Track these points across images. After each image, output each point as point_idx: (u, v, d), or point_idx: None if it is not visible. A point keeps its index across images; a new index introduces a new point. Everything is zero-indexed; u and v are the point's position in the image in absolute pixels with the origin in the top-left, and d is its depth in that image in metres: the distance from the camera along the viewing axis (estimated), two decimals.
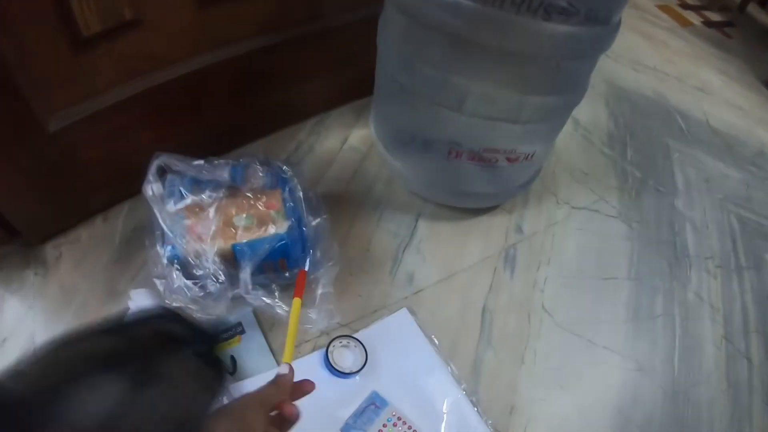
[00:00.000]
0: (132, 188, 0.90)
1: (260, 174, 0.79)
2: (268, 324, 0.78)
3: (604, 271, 0.92)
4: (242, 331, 0.78)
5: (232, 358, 0.76)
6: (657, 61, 1.48)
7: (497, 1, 0.64)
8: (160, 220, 0.73)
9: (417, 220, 0.92)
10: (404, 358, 0.77)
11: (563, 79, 0.77)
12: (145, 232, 0.80)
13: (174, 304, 0.74)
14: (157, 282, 0.74)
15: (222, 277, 0.71)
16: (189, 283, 0.73)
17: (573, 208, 0.99)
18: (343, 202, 0.91)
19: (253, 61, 0.89)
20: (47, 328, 0.79)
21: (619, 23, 0.74)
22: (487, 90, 0.75)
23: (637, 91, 1.32)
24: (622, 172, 1.09)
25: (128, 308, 0.76)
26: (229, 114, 0.94)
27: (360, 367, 0.74)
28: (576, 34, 0.67)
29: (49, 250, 0.88)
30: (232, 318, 0.79)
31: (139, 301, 0.75)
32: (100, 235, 0.89)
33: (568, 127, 0.89)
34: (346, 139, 1.04)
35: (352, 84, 1.04)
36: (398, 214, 0.92)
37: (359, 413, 0.72)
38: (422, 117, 0.84)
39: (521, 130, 0.80)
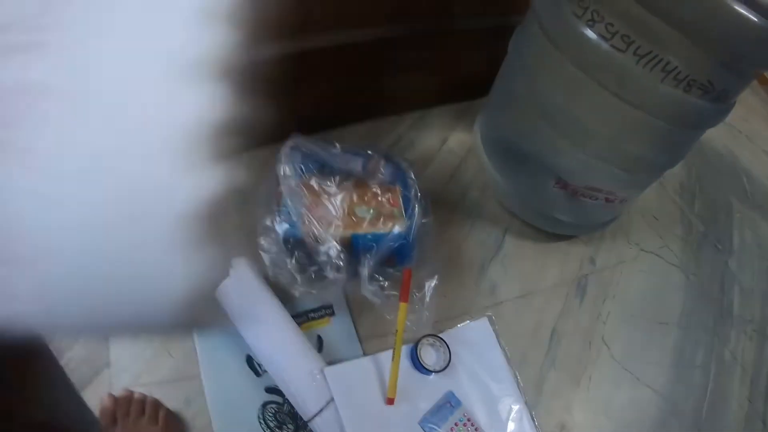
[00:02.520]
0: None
1: (382, 168, 0.82)
2: (357, 309, 0.84)
3: (659, 315, 1.00)
4: (332, 313, 0.84)
5: (319, 338, 0.81)
6: (732, 116, 1.51)
7: (649, 66, 0.68)
8: (284, 198, 0.75)
9: (505, 235, 0.98)
10: (479, 363, 0.84)
11: (675, 142, 0.82)
12: (241, 197, 0.83)
13: (276, 278, 0.78)
14: (264, 255, 0.78)
15: (342, 266, 0.75)
16: (302, 265, 0.76)
17: (641, 250, 1.07)
18: (440, 203, 0.96)
19: (375, 47, 0.91)
20: None
21: (734, 102, 0.78)
22: (615, 137, 0.80)
23: (710, 144, 1.38)
24: (688, 222, 1.16)
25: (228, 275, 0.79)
26: (339, 92, 0.98)
27: (443, 366, 0.81)
28: (704, 108, 0.72)
29: None
30: (328, 297, 0.83)
31: (240, 270, 0.78)
32: None
33: None
34: (445, 140, 1.08)
35: (458, 85, 1.08)
36: (488, 225, 0.98)
37: (436, 410, 0.79)
38: (539, 143, 0.88)
39: (629, 177, 0.85)
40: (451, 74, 1.05)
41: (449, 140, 1.09)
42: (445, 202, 0.99)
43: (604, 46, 0.69)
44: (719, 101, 0.71)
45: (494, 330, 0.87)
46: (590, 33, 0.70)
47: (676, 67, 0.66)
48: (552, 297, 0.94)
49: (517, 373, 0.84)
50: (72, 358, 0.78)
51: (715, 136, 1.39)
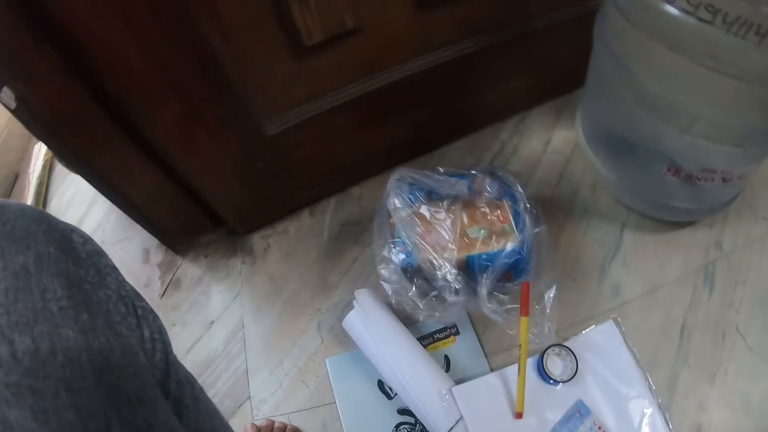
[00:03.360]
0: (339, 184, 0.98)
1: (488, 186, 0.82)
2: (481, 326, 0.85)
3: None
4: (457, 332, 0.85)
5: (446, 358, 0.84)
6: None
7: (742, 31, 0.62)
8: (398, 230, 0.77)
9: (622, 231, 0.95)
10: (607, 369, 0.84)
11: None
12: (354, 228, 0.86)
13: (400, 305, 0.81)
14: (385, 285, 0.81)
15: (460, 288, 0.76)
16: (423, 291, 0.79)
17: None
18: (552, 207, 0.94)
19: (461, 63, 0.91)
20: (257, 315, 0.88)
21: None
22: (719, 116, 0.74)
23: None
24: None
25: (353, 307, 0.83)
26: (436, 114, 0.98)
27: (570, 376, 0.81)
28: None
29: (257, 240, 0.95)
30: (451, 318, 0.85)
31: (364, 301, 0.82)
32: (308, 228, 0.96)
33: None
34: (549, 141, 1.06)
35: (553, 82, 1.05)
36: (604, 223, 0.95)
37: (566, 420, 0.80)
38: (643, 130, 0.84)
39: (742, 152, 0.79)
40: (544, 72, 1.01)
41: (552, 140, 1.06)
42: (558, 206, 0.97)
43: (690, 20, 0.65)
44: None
45: (621, 332, 0.86)
46: (672, 9, 0.66)
47: None
48: (679, 290, 0.91)
49: (648, 375, 0.83)
50: (216, 393, 0.84)
51: None
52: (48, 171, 1.51)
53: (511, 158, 1.03)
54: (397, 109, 0.92)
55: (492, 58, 0.92)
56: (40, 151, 1.58)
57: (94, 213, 1.10)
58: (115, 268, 0.43)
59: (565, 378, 0.81)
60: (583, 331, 0.86)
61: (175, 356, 0.46)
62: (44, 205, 1.41)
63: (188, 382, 0.48)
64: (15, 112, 0.65)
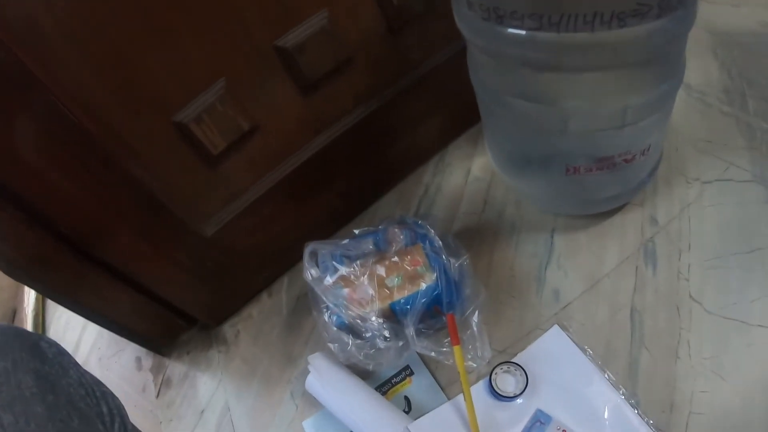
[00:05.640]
0: (287, 262, 1.07)
1: (399, 235, 0.89)
2: (433, 363, 0.90)
3: (748, 243, 0.92)
4: (411, 373, 0.90)
5: (406, 399, 0.89)
6: None
7: (571, 26, 0.66)
8: (323, 297, 0.85)
9: (552, 236, 0.98)
10: (562, 373, 0.86)
11: (658, 72, 0.77)
12: (307, 300, 0.94)
13: (350, 362, 0.87)
14: (331, 346, 0.88)
15: (387, 334, 0.83)
16: (359, 343, 0.85)
17: (704, 183, 1.00)
18: (481, 233, 0.99)
19: (364, 127, 0.99)
20: (238, 396, 0.98)
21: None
22: (586, 107, 0.79)
23: (742, 28, 1.23)
24: (747, 128, 1.06)
25: (308, 372, 0.90)
26: (357, 177, 1.06)
27: (522, 389, 0.84)
28: (657, 28, 0.66)
29: (227, 329, 1.06)
30: (401, 362, 0.90)
31: (317, 364, 0.89)
32: (269, 309, 1.06)
33: (681, 94, 0.88)
34: (469, 171, 1.12)
35: (460, 115, 1.11)
36: (533, 234, 0.99)
37: (527, 431, 0.82)
38: (530, 141, 0.89)
39: (630, 131, 0.82)
40: (446, 110, 1.08)
41: (472, 170, 1.12)
42: (486, 231, 1.01)
43: (482, 24, 0.71)
44: (671, 10, 0.66)
45: (568, 334, 0.88)
46: (506, 30, 0.71)
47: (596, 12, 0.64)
48: (620, 277, 0.93)
49: (606, 369, 0.84)
50: None
51: (745, 17, 1.26)
52: (41, 302, 1.67)
53: (436, 197, 1.09)
54: (317, 184, 1.01)
55: (393, 112, 1.00)
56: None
57: (88, 333, 1.24)
58: (76, 363, 0.60)
59: (518, 392, 0.84)
60: (530, 344, 0.89)
61: (134, 426, 0.64)
62: (43, 332, 1.52)
63: None
64: None
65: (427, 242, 0.90)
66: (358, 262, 0.88)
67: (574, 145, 0.85)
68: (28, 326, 1.54)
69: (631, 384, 0.83)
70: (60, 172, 0.75)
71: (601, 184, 0.91)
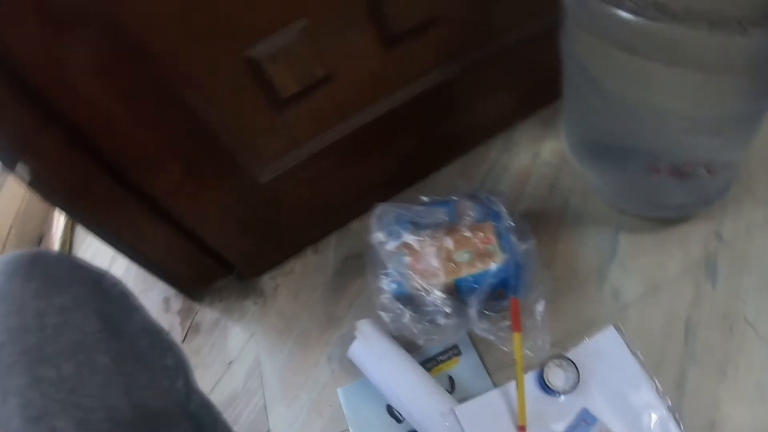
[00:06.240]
0: (337, 221, 1.03)
1: (470, 210, 0.85)
2: (483, 345, 0.88)
3: None
4: (459, 353, 0.89)
5: (450, 378, 0.87)
6: None
7: (691, 22, 0.63)
8: (385, 262, 0.81)
9: (617, 234, 0.96)
10: (612, 375, 0.85)
11: (763, 86, 0.74)
12: (356, 262, 0.90)
13: (399, 333, 0.85)
14: (383, 314, 0.85)
15: (450, 311, 0.80)
16: (416, 315, 0.82)
17: None
18: (544, 220, 0.96)
19: (439, 91, 0.94)
20: (271, 352, 0.94)
21: None
22: (685, 107, 0.76)
23: None
24: None
25: (353, 338, 0.87)
26: (422, 143, 1.02)
27: (573, 386, 0.83)
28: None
29: (266, 281, 1.01)
30: (450, 340, 0.88)
31: (365, 331, 0.86)
32: (313, 266, 1.01)
33: None
34: (537, 154, 1.08)
35: (535, 94, 1.07)
36: (598, 229, 0.97)
37: (571, 429, 0.82)
38: (616, 132, 0.85)
39: (720, 140, 0.80)
40: (524, 86, 1.03)
41: (541, 152, 1.08)
42: (551, 217, 0.99)
43: (641, 21, 0.66)
44: None
45: (622, 337, 0.87)
46: (622, 13, 0.67)
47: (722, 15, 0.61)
48: (680, 286, 0.91)
49: (654, 377, 0.84)
50: (239, 429, 0.90)
51: None
52: (69, 231, 1.62)
53: (502, 176, 1.05)
54: (382, 144, 0.96)
55: (469, 80, 0.96)
56: (61, 214, 1.70)
57: (116, 269, 1.19)
58: (141, 307, 0.53)
59: (568, 388, 0.83)
60: (586, 340, 0.87)
61: (196, 383, 0.57)
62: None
63: (207, 405, 0.59)
64: (30, 185, 0.73)
65: (500, 221, 0.86)
66: (427, 231, 0.84)
67: (662, 145, 0.82)
68: None
69: (677, 396, 0.83)
70: (112, 93, 0.69)
71: (677, 190, 0.89)
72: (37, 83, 0.63)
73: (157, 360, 0.51)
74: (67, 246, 1.52)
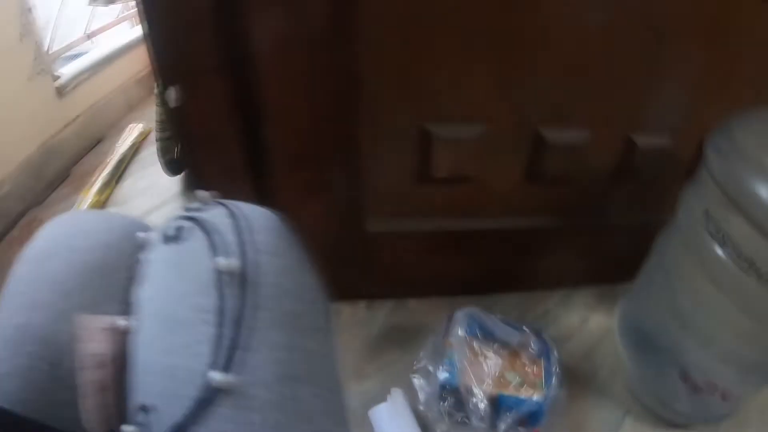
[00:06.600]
0: (401, 292, 1.13)
1: (533, 344, 0.97)
2: None
3: None
4: None
5: None
6: None
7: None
8: (451, 351, 0.92)
9: (624, 417, 1.09)
10: None
11: None
12: (400, 335, 0.99)
13: (423, 412, 0.94)
14: (419, 391, 0.96)
15: (486, 418, 0.90)
16: (453, 408, 0.92)
17: None
18: (572, 376, 1.08)
19: (539, 233, 1.10)
20: None
21: None
22: (731, 342, 0.89)
23: None
24: None
25: (383, 400, 0.96)
26: (502, 265, 1.17)
27: None
28: None
29: None
30: None
31: (397, 399, 0.96)
32: (361, 319, 1.11)
33: None
34: (586, 320, 1.22)
35: (603, 269, 1.22)
36: (611, 404, 1.09)
37: None
38: (669, 338, 0.99)
39: (747, 378, 0.95)
40: (600, 259, 1.19)
41: (589, 321, 1.22)
42: (577, 377, 1.11)
43: (731, 266, 0.81)
44: None
45: None
46: (720, 252, 0.82)
47: None
48: None
49: None
50: None
51: None
52: (133, 152, 1.66)
53: (551, 324, 1.19)
54: (475, 251, 1.10)
55: (566, 236, 1.12)
56: (133, 131, 1.75)
57: (163, 212, 1.27)
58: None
59: None
60: None
61: None
62: (117, 181, 1.55)
63: None
64: (173, 110, 0.80)
65: (549, 363, 0.98)
66: (495, 344, 0.96)
67: (701, 363, 0.96)
68: (109, 166, 1.51)
69: None
70: (304, 91, 0.82)
71: (691, 401, 1.02)
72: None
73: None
74: (125, 163, 1.58)
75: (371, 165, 0.94)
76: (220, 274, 0.41)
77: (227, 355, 0.37)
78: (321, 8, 0.74)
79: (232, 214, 0.47)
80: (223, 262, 0.41)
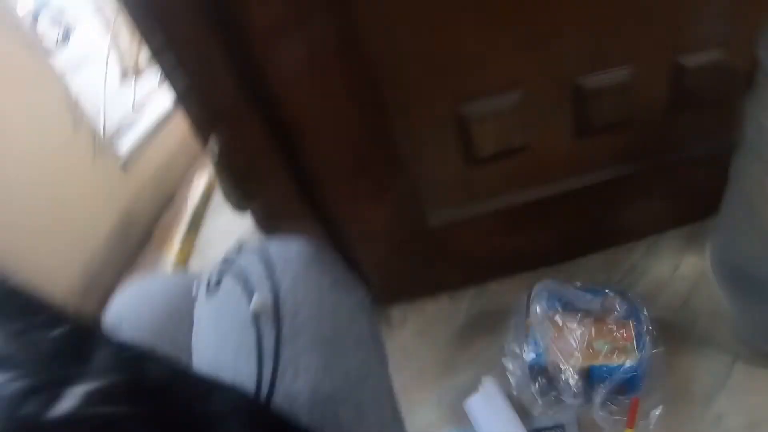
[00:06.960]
0: (480, 278, 1.11)
1: (618, 306, 0.92)
2: (587, 430, 0.93)
3: None
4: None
5: None
6: None
7: None
8: (533, 331, 0.89)
9: (734, 363, 1.01)
10: None
11: None
12: (487, 320, 0.97)
13: (516, 396, 0.92)
14: (510, 377, 0.94)
15: (579, 393, 0.87)
16: (545, 388, 0.90)
17: None
18: (670, 331, 1.02)
19: (609, 186, 1.02)
20: None
21: None
22: None
23: None
24: None
25: (475, 390, 0.95)
26: (577, 229, 1.11)
27: None
28: None
29: (395, 311, 1.08)
30: (561, 418, 0.95)
31: (489, 387, 0.94)
32: (446, 311, 1.09)
33: None
34: (677, 266, 1.14)
35: (690, 208, 1.14)
36: (718, 354, 1.02)
37: None
38: (765, 266, 0.90)
39: None
40: (681, 199, 1.11)
41: (681, 266, 1.14)
42: (676, 331, 1.04)
43: None
44: None
45: None
46: None
47: None
48: None
49: None
50: None
51: None
52: (206, 200, 1.73)
53: (640, 279, 1.12)
54: (545, 220, 1.05)
55: (636, 183, 1.04)
56: (200, 180, 1.82)
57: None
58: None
59: None
60: None
61: None
62: (197, 230, 1.64)
63: None
64: (218, 157, 0.82)
65: (640, 323, 0.93)
66: (578, 314, 0.92)
67: None
68: (187, 216, 1.58)
69: None
70: (331, 100, 0.80)
71: None
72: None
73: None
74: (201, 214, 1.62)
75: (418, 159, 0.90)
76: (256, 313, 0.45)
77: (270, 383, 0.42)
78: (327, 30, 0.73)
79: (264, 252, 0.51)
80: (256, 301, 0.46)
